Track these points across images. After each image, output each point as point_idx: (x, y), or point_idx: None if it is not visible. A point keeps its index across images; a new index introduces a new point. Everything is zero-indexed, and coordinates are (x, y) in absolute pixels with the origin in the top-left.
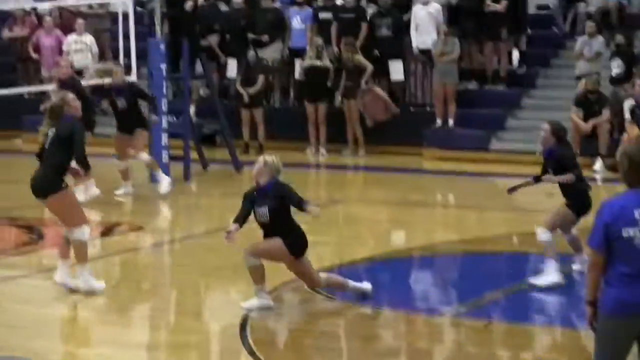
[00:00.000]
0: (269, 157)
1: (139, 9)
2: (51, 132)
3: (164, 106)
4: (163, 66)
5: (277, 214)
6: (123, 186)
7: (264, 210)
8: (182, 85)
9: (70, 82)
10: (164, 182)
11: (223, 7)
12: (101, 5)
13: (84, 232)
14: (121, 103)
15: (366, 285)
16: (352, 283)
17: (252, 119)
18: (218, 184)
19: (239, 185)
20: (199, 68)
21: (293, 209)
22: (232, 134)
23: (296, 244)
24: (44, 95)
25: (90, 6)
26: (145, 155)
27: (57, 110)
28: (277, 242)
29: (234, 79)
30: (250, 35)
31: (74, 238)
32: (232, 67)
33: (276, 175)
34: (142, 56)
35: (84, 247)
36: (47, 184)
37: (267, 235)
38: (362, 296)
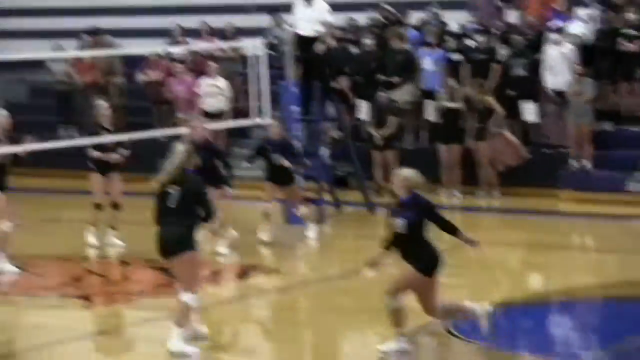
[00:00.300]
0: (409, 172)
1: (270, 52)
2: (174, 189)
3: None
4: (295, 109)
5: (414, 227)
6: (264, 229)
7: (401, 222)
8: (315, 128)
9: (206, 145)
10: (313, 230)
11: (353, 50)
12: (234, 49)
13: (195, 299)
14: (276, 158)
15: (483, 308)
16: (468, 304)
17: (385, 160)
18: (352, 226)
19: (373, 227)
20: (330, 110)
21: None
22: (364, 176)
23: (429, 261)
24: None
25: (222, 50)
26: (304, 208)
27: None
28: (409, 269)
29: (366, 121)
30: (381, 77)
31: (186, 301)
32: (363, 109)
33: (416, 189)
34: (274, 99)
35: (188, 313)
36: (184, 242)
37: (402, 250)
38: (492, 335)
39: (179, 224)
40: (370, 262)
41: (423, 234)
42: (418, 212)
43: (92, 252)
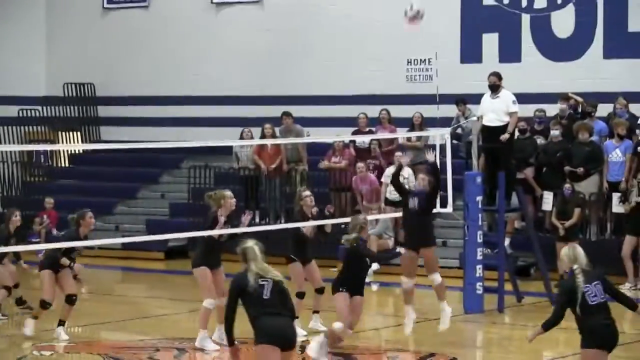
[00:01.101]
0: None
1: (455, 141)
2: (266, 281)
3: (479, 238)
4: (479, 199)
5: None
6: (408, 315)
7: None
8: (498, 218)
9: None
10: (447, 313)
11: (540, 140)
12: (419, 138)
13: None
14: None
15: None
16: None
17: None
18: (532, 317)
19: None
20: (514, 200)
21: None
22: (547, 266)
23: None
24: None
25: (408, 139)
26: (437, 276)
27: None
28: None
29: (550, 211)
30: (567, 168)
31: None
32: (547, 200)
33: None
34: (458, 188)
35: None
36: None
37: None
38: None
39: (285, 313)
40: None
41: None
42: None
43: None
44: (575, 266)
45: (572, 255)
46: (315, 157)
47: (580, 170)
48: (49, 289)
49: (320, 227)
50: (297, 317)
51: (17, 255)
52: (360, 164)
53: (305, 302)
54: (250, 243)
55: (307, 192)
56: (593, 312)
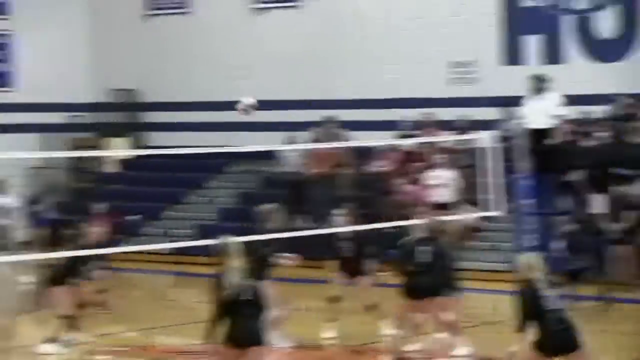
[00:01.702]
0: None
1: (503, 144)
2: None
3: (529, 242)
4: (527, 202)
5: None
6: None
7: None
8: (548, 221)
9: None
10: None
11: (587, 142)
12: (465, 141)
13: None
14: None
15: None
16: None
17: (621, 255)
18: (586, 321)
19: (612, 323)
20: (563, 203)
21: None
22: (599, 270)
23: None
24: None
25: (454, 142)
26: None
27: None
28: None
29: (600, 214)
30: (616, 171)
31: None
32: (597, 203)
33: None
34: (507, 192)
35: None
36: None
37: None
38: None
39: None
40: None
41: None
42: None
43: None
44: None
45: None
46: (360, 161)
47: (630, 172)
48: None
49: None
50: None
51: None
52: (398, 181)
53: None
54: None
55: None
56: None
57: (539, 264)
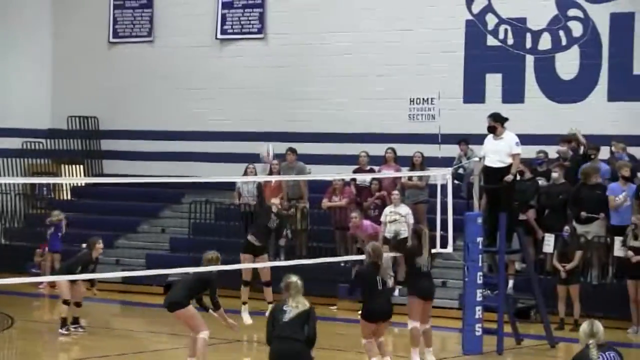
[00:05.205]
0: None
1: (456, 182)
2: (289, 308)
3: (479, 279)
4: (479, 239)
5: None
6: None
7: None
8: (498, 259)
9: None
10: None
11: (541, 182)
12: (420, 178)
13: None
14: None
15: None
16: None
17: (568, 294)
18: (531, 359)
19: None
20: (515, 242)
21: None
22: (547, 309)
23: None
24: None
25: (409, 178)
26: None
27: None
28: None
29: (551, 254)
30: (583, 214)
31: None
32: (549, 242)
33: None
34: (458, 229)
35: None
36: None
37: None
38: None
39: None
40: None
41: None
42: None
43: None
44: (591, 341)
45: (588, 330)
46: (317, 195)
47: (584, 213)
48: (66, 290)
49: None
50: None
51: (92, 282)
52: (354, 214)
53: None
54: (294, 278)
55: None
56: None
57: (600, 331)
